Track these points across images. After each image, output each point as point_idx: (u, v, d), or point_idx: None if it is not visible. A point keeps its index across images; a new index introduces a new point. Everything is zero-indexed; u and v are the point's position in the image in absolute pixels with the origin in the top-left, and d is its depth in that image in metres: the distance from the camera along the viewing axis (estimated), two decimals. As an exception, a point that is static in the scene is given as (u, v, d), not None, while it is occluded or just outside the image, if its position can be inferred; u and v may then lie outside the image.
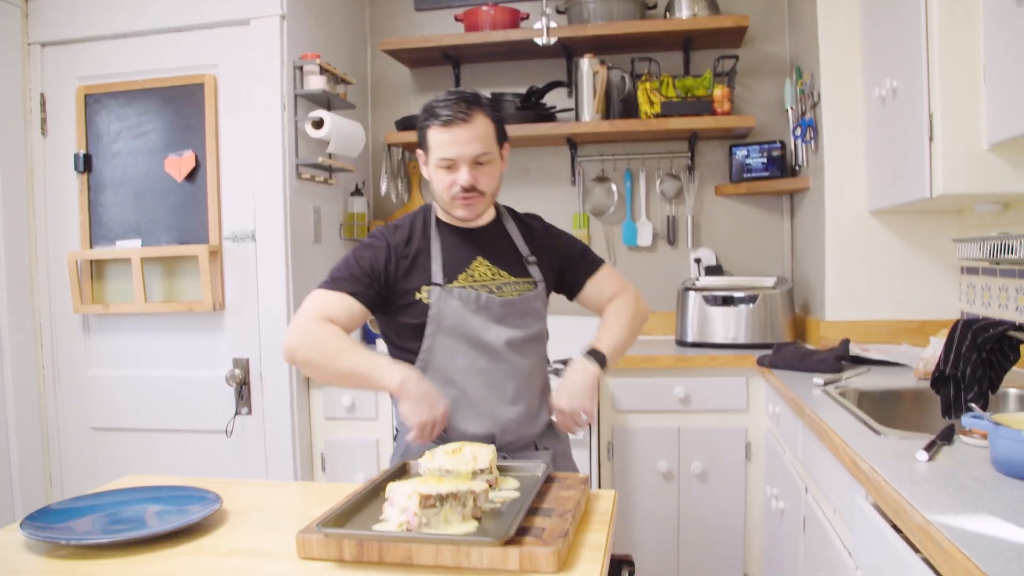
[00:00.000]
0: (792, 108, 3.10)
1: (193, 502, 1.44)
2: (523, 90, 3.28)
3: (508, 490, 1.41)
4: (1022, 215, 2.25)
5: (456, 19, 3.34)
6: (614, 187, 3.44)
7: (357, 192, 3.38)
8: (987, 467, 1.30)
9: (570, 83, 3.34)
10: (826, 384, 2.14)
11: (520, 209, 1.99)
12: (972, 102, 1.98)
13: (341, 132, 2.94)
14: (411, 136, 3.29)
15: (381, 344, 3.02)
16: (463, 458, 1.43)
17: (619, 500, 2.76)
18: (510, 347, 1.78)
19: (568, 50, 3.30)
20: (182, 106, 2.87)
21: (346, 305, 1.73)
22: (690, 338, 3.03)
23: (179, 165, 2.86)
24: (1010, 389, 1.89)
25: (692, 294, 3.03)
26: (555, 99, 3.35)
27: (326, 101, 3.01)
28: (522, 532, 1.19)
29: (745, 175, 3.22)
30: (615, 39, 3.17)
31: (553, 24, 3.03)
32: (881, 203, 2.56)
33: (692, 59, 3.33)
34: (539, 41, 3.06)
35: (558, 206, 3.46)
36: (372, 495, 1.37)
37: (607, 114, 3.21)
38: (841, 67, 2.73)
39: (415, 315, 1.77)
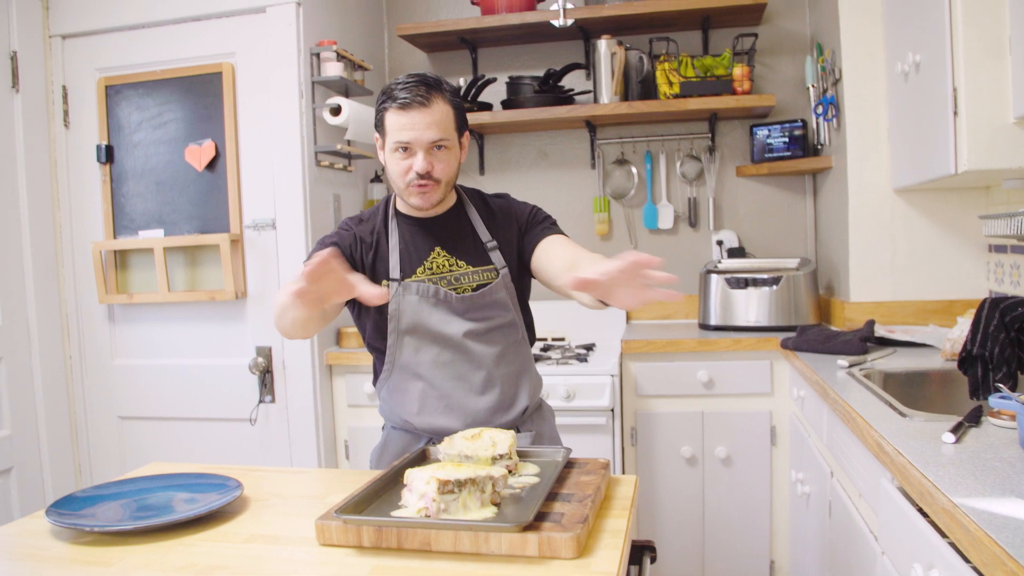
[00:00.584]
0: (813, 86, 3.05)
1: (214, 489, 1.45)
2: (541, 73, 3.26)
3: (528, 475, 1.41)
4: (1052, 191, 2.21)
5: (472, 3, 3.32)
6: (634, 170, 3.41)
7: (376, 179, 3.38)
8: (1016, 449, 1.27)
9: (588, 65, 3.31)
10: (851, 366, 2.11)
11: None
12: (997, 75, 1.94)
13: (359, 118, 2.93)
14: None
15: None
16: (482, 444, 1.42)
17: (643, 486, 2.77)
18: (471, 338, 1.74)
19: (585, 32, 3.27)
20: (201, 95, 2.87)
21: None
22: (713, 321, 3.00)
23: (199, 154, 2.87)
24: (1040, 369, 1.85)
25: (714, 277, 3.00)
26: (573, 82, 3.32)
27: (344, 88, 3.01)
28: (541, 518, 1.19)
29: (766, 155, 3.18)
30: (632, 19, 3.14)
31: (570, 5, 3.01)
32: (905, 181, 2.52)
33: (711, 38, 3.28)
34: (556, 23, 3.04)
35: (578, 190, 3.44)
36: (391, 481, 1.37)
37: (626, 96, 3.18)
38: (863, 42, 2.68)
39: (379, 311, 1.75)
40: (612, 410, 2.71)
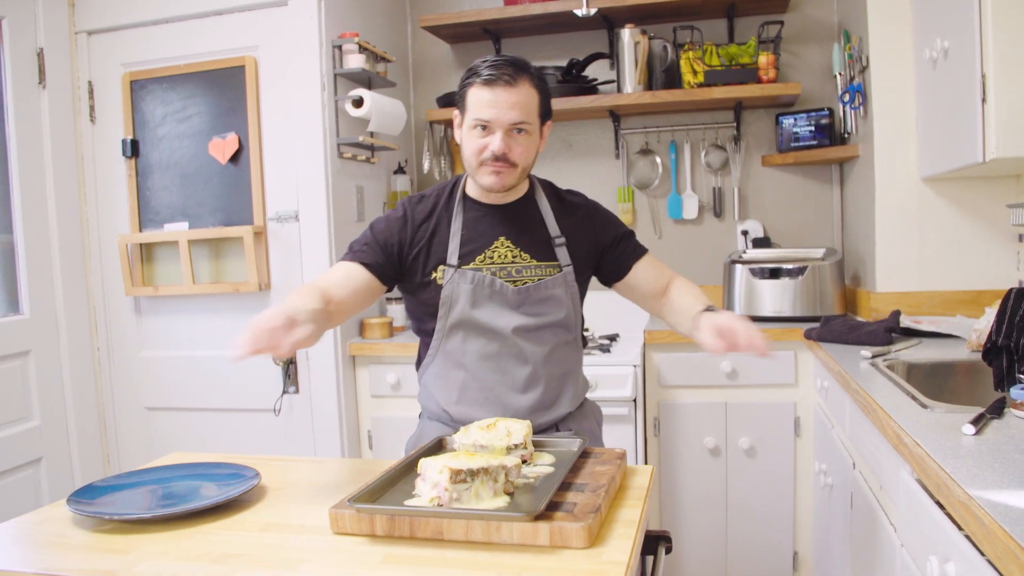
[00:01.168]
0: (840, 74, 3.00)
1: (232, 478, 1.46)
2: (564, 63, 3.24)
3: (542, 465, 1.41)
4: (1084, 178, 2.16)
5: (495, -7, 3.31)
6: (658, 159, 3.39)
7: (400, 170, 3.38)
8: (1038, 441, 1.25)
9: (611, 54, 3.29)
10: (874, 357, 2.08)
11: (563, 184, 1.91)
12: (1028, 60, 1.89)
13: (381, 110, 2.94)
14: (453, 112, 3.29)
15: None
16: (497, 433, 1.42)
17: (666, 476, 2.76)
18: (520, 334, 1.71)
19: (609, 21, 3.24)
20: (224, 89, 2.90)
21: (349, 272, 1.68)
22: (737, 311, 2.97)
23: (223, 148, 2.89)
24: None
25: (739, 267, 2.97)
26: (597, 71, 3.30)
27: (366, 80, 3.02)
28: (554, 507, 1.18)
29: (792, 144, 3.14)
30: (656, 7, 3.10)
31: (592, -6, 2.99)
32: (933, 170, 2.47)
33: (736, 26, 3.24)
34: (579, 12, 3.02)
35: (602, 180, 3.43)
36: (406, 471, 1.38)
37: (649, 85, 3.15)
38: (890, 29, 2.63)
39: (431, 296, 1.72)
40: (635, 400, 2.70)
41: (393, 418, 2.91)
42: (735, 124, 3.27)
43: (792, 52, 3.22)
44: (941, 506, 1.15)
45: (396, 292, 3.28)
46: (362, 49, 2.93)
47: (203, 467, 1.55)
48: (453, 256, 1.70)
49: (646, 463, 2.79)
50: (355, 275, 1.69)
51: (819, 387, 2.50)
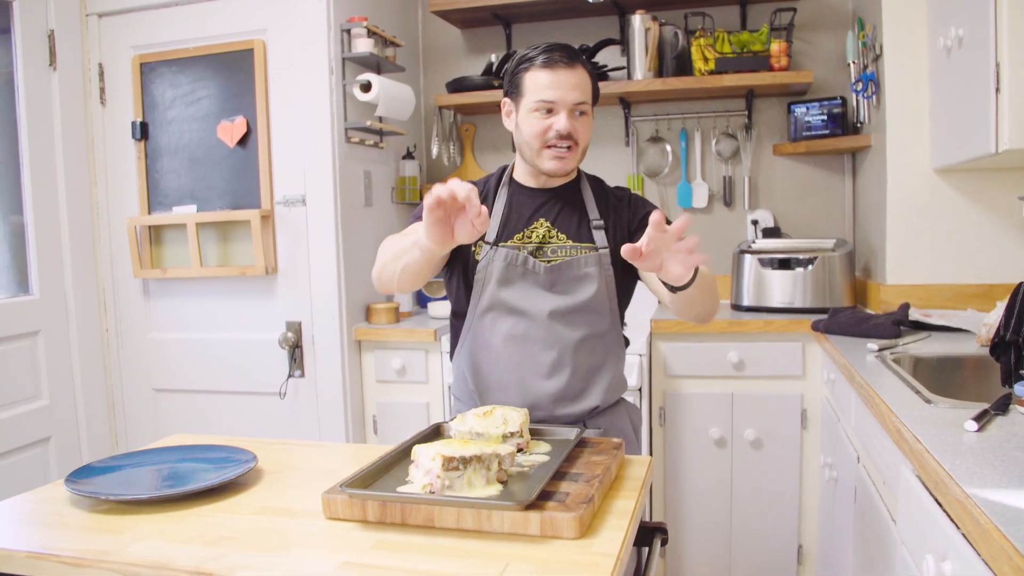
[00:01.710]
0: (854, 62, 2.96)
1: (230, 461, 1.47)
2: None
3: (538, 454, 1.40)
4: (1099, 171, 2.12)
5: (506, -22, 3.28)
6: (668, 147, 3.36)
7: (408, 155, 3.37)
8: (1041, 439, 1.23)
9: (622, 41, 3.26)
10: (881, 350, 2.06)
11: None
12: (1043, 50, 1.86)
13: (389, 95, 2.93)
14: (462, 98, 3.28)
15: (438, 308, 3.04)
16: (494, 421, 1.42)
17: (670, 467, 2.75)
18: (553, 316, 1.67)
19: (619, 7, 3.21)
20: (233, 72, 2.89)
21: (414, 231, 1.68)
22: (746, 302, 2.95)
23: (231, 131, 2.89)
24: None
25: (748, 257, 2.94)
26: (607, 58, 3.27)
27: (375, 64, 3.00)
28: (546, 497, 1.18)
29: (804, 133, 3.10)
30: (668, -7, 3.08)
31: (603, -20, 2.95)
32: (946, 160, 2.44)
33: (748, 13, 3.20)
34: (589, -2, 2.99)
35: (612, 167, 3.40)
36: (402, 456, 1.37)
37: (660, 72, 3.12)
38: (905, 17, 2.59)
39: (469, 272, 1.73)
40: (640, 390, 2.69)
41: (398, 403, 2.92)
42: (746, 112, 3.24)
43: (805, 40, 3.18)
44: (940, 504, 1.13)
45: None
46: (371, 33, 2.91)
47: (202, 449, 1.55)
48: (492, 234, 1.71)
49: (651, 453, 2.78)
50: None
51: (826, 379, 2.48)
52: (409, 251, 1.53)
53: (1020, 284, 1.64)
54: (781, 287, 2.87)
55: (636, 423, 1.89)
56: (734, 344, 2.71)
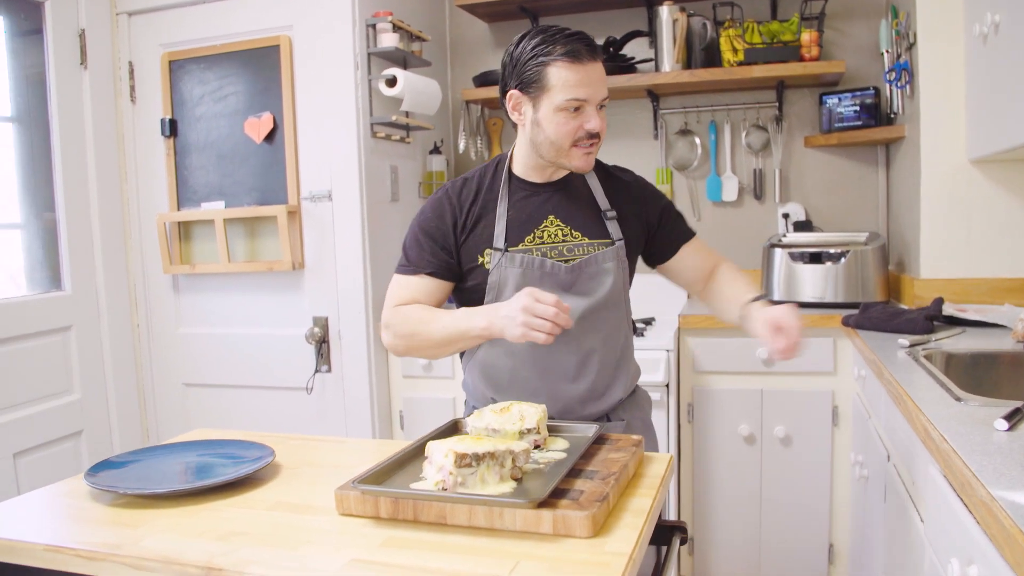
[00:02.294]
0: (888, 51, 2.89)
1: (248, 456, 1.47)
2: (601, 41, 3.18)
3: (555, 451, 1.38)
4: None
5: (533, -30, 3.26)
6: (698, 140, 3.31)
7: (436, 150, 3.37)
8: (1075, 439, 1.18)
9: (650, 32, 3.22)
10: (912, 346, 2.01)
11: None
12: (1083, 35, 1.79)
13: (415, 89, 2.92)
14: (489, 92, 3.26)
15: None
16: (510, 417, 1.40)
17: (698, 463, 2.72)
18: (576, 318, 1.60)
19: (647, -2, 3.17)
20: (260, 68, 2.91)
21: (423, 285, 1.65)
22: (776, 296, 2.90)
23: (258, 127, 2.91)
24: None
25: (778, 251, 2.89)
26: (635, 50, 3.24)
27: (401, 59, 3.00)
28: (560, 494, 1.16)
29: (836, 125, 3.03)
30: (696, -16, 3.03)
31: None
32: (982, 151, 2.36)
33: (779, 2, 3.14)
34: (616, -11, 2.96)
35: (640, 161, 3.36)
36: (418, 453, 1.36)
37: (688, 64, 3.08)
38: (939, 3, 2.51)
39: (478, 281, 1.65)
40: (667, 386, 2.65)
41: (424, 399, 2.91)
42: (777, 104, 3.18)
43: (837, 29, 3.11)
44: (967, 506, 1.09)
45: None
46: (396, 28, 2.91)
47: (221, 444, 1.56)
48: (500, 239, 1.63)
49: (678, 449, 2.75)
50: (432, 288, 1.66)
51: (857, 376, 2.43)
52: (461, 340, 1.58)
53: (1057, 278, 1.58)
54: (812, 281, 2.82)
55: (649, 408, 1.88)
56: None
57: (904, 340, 2.06)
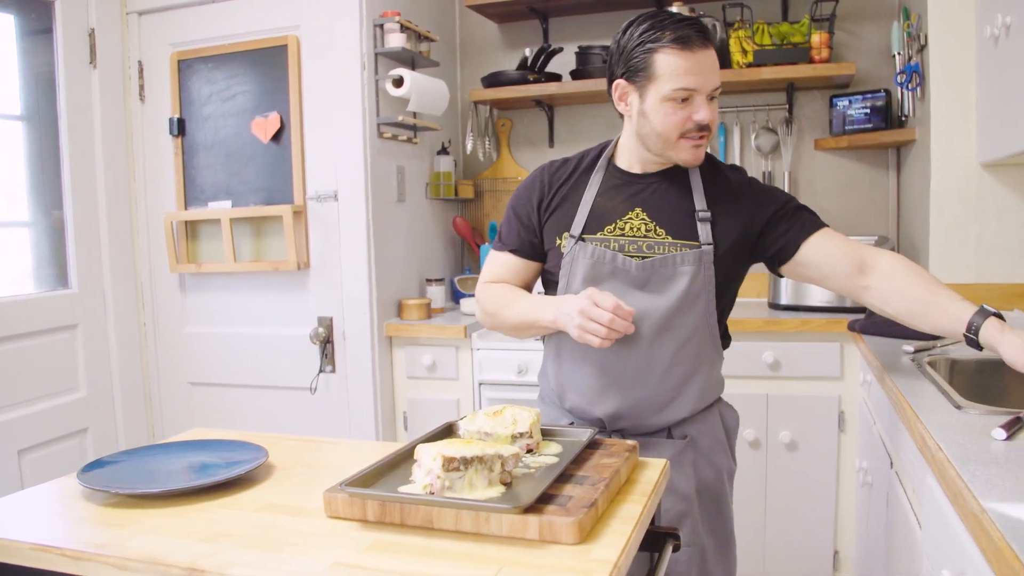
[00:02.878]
0: (899, 53, 2.86)
1: (241, 457, 1.47)
2: (610, 42, 3.16)
3: (547, 455, 1.37)
4: None
5: (542, -29, 3.25)
6: (706, 142, 3.28)
7: (443, 151, 3.36)
8: (1075, 450, 1.16)
9: (659, 34, 3.19)
10: (916, 351, 1.98)
11: None
12: (1094, 37, 1.76)
13: (422, 90, 2.91)
14: (498, 93, 3.25)
15: (471, 304, 3.03)
16: (503, 421, 1.39)
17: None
18: (642, 319, 1.52)
19: (657, -1, 3.15)
20: (267, 68, 2.91)
21: (509, 263, 1.66)
22: (783, 301, 2.88)
23: (265, 127, 2.91)
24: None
25: (785, 254, 2.86)
26: (643, 51, 3.21)
27: (409, 59, 2.99)
28: (548, 500, 1.15)
29: (847, 127, 3.01)
30: (706, -15, 3.01)
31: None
32: (993, 154, 2.33)
33: (789, 3, 3.11)
34: (625, -10, 2.94)
35: (647, 163, 3.34)
36: (409, 455, 1.35)
37: (697, 65, 3.05)
38: (951, 5, 2.48)
39: (554, 263, 1.62)
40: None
41: (429, 400, 2.91)
42: (787, 106, 3.15)
43: (847, 31, 3.08)
44: (960, 516, 1.07)
45: (434, 274, 3.28)
46: (404, 28, 2.91)
47: (215, 444, 1.56)
48: (578, 226, 1.58)
49: (682, 453, 2.73)
50: (519, 266, 1.67)
51: (863, 381, 2.41)
52: (534, 328, 1.61)
53: (1063, 285, 1.55)
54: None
55: (731, 426, 1.74)
56: (770, 344, 2.65)
57: (909, 346, 2.03)
